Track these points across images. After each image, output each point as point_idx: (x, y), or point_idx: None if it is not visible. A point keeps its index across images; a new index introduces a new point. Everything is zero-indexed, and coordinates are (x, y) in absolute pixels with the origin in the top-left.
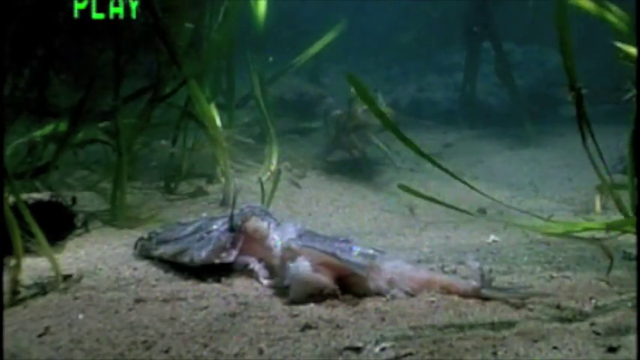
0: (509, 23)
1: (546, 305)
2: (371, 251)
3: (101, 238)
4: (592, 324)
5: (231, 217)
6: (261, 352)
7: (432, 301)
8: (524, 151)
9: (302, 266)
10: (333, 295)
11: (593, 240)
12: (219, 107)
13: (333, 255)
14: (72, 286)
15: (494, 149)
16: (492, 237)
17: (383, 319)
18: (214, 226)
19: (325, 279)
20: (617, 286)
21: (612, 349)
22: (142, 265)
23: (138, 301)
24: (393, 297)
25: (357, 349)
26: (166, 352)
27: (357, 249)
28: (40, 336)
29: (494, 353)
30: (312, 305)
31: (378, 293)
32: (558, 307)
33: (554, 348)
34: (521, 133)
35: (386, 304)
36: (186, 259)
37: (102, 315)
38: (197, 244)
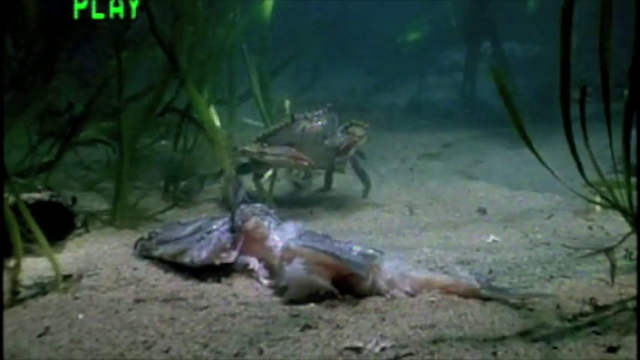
0: (510, 23)
1: (546, 305)
2: (371, 251)
3: (101, 238)
4: (592, 324)
5: (232, 217)
6: (261, 352)
7: (432, 301)
8: (523, 151)
9: (297, 269)
10: (332, 295)
11: (600, 250)
12: (220, 105)
13: (333, 255)
14: (72, 286)
15: (494, 149)
16: (492, 237)
17: (383, 319)
18: (214, 226)
19: (321, 280)
20: (617, 286)
21: (612, 349)
22: (142, 265)
23: (138, 301)
24: (393, 297)
25: (357, 349)
26: (166, 352)
27: (357, 249)
28: (40, 336)
29: (494, 353)
30: (312, 305)
31: (378, 293)
32: (558, 307)
33: (554, 348)
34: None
35: (386, 304)
36: (186, 259)
37: (102, 315)
38: (197, 245)
